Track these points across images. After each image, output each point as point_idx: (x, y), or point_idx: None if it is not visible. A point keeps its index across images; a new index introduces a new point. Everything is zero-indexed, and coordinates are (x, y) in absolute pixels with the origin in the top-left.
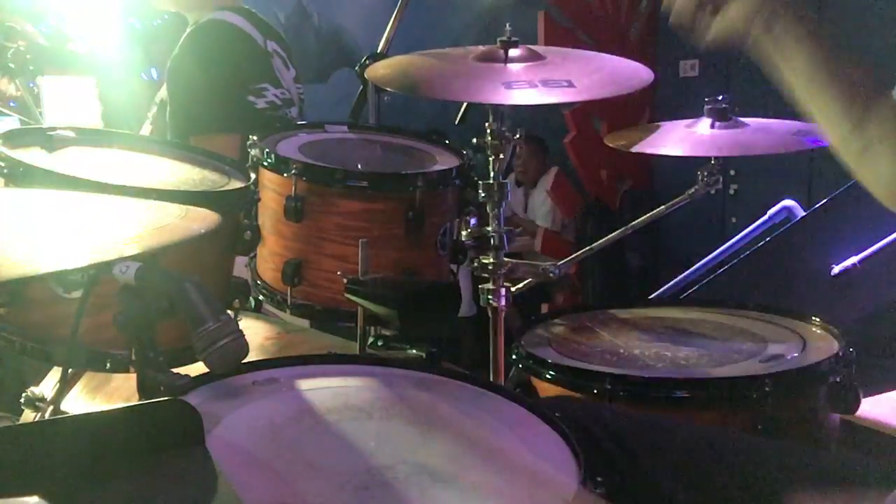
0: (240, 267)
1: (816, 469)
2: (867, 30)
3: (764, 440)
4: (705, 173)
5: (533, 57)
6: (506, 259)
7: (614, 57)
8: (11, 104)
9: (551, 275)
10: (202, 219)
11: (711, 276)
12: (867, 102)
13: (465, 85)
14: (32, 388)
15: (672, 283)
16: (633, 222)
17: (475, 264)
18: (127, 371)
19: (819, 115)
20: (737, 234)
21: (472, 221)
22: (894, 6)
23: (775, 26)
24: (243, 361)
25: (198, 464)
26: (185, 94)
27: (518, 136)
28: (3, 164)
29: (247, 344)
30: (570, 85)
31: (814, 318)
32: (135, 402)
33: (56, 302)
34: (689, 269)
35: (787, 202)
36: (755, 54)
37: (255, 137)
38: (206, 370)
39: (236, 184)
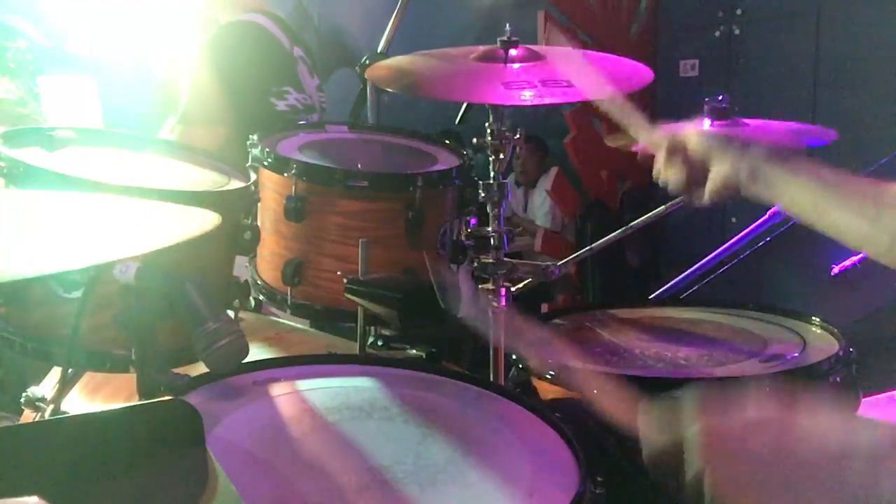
0: (240, 267)
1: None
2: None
3: None
4: None
5: (533, 57)
6: (506, 259)
7: (614, 57)
8: None
9: (551, 275)
10: (202, 219)
11: (711, 276)
12: (876, 198)
13: (465, 85)
14: (32, 388)
15: (672, 283)
16: (633, 222)
17: (475, 264)
18: (127, 371)
19: (835, 229)
20: (737, 234)
21: (472, 221)
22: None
23: (760, 172)
24: (243, 361)
25: (198, 464)
26: (206, 87)
27: (518, 136)
28: (3, 164)
29: (247, 344)
30: (570, 85)
31: (814, 318)
32: (135, 402)
33: (56, 302)
34: (689, 269)
35: None
36: (753, 195)
37: (254, 137)
38: (206, 370)
39: (236, 184)
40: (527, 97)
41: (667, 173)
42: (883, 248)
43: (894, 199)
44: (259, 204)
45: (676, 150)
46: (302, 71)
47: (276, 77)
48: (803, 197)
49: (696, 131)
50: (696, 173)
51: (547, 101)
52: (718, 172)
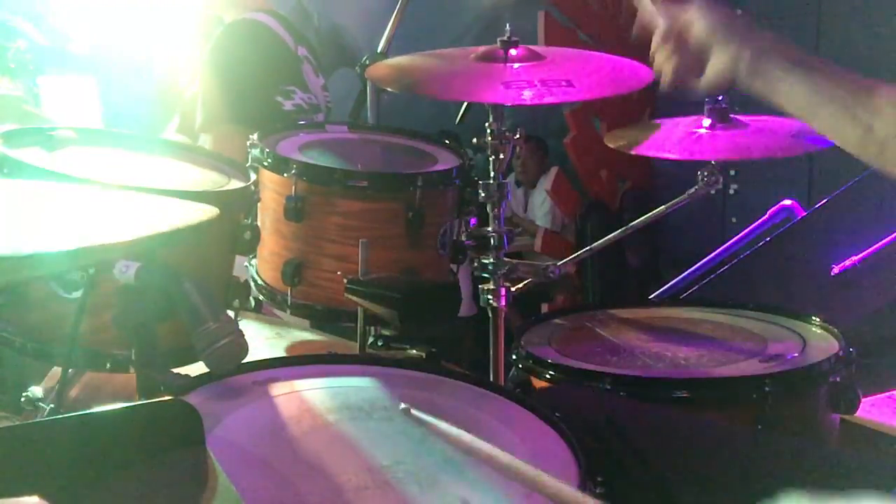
0: (240, 267)
1: (817, 464)
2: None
3: (765, 434)
4: (705, 173)
5: (533, 57)
6: (506, 259)
7: (614, 57)
8: None
9: (551, 275)
10: (200, 211)
11: (711, 276)
12: (869, 104)
13: (465, 84)
14: (32, 388)
15: (672, 283)
16: (633, 222)
17: (475, 264)
18: (127, 371)
19: (827, 130)
20: (737, 234)
21: (472, 221)
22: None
23: (760, 65)
24: (243, 361)
25: (198, 464)
26: (215, 87)
27: (518, 136)
28: (3, 164)
29: (247, 344)
30: (570, 84)
31: (814, 318)
32: (135, 402)
33: (56, 302)
34: (689, 269)
35: (787, 202)
36: (749, 90)
37: (254, 137)
38: (206, 370)
39: (236, 184)
40: (526, 96)
41: (661, 58)
42: (873, 153)
43: (887, 103)
44: (259, 204)
45: (675, 33)
46: (307, 70)
47: (281, 76)
48: (799, 96)
49: (699, 15)
50: (694, 60)
51: (546, 100)
52: (718, 62)
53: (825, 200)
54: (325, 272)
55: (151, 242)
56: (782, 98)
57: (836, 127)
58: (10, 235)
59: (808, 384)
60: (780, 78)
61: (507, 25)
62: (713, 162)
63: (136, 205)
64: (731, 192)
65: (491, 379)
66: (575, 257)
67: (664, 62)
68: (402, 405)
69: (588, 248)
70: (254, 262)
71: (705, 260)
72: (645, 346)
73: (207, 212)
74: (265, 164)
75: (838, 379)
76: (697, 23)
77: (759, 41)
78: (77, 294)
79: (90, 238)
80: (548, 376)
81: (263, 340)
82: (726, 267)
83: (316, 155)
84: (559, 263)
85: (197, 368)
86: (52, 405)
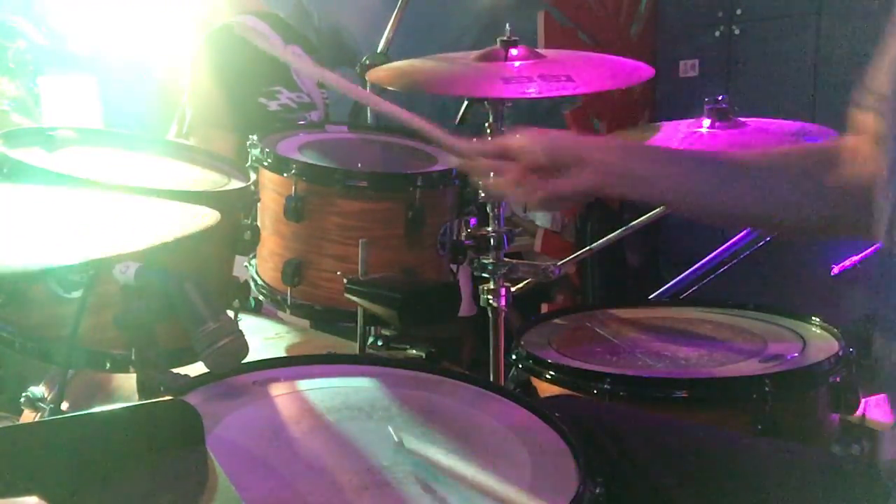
0: (240, 267)
1: (814, 469)
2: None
3: (763, 440)
4: None
5: (533, 57)
6: (506, 259)
7: (614, 57)
8: None
9: (551, 275)
10: (202, 216)
11: (711, 276)
12: (775, 170)
13: (466, 81)
14: (32, 388)
15: (672, 283)
16: (633, 222)
17: (475, 264)
18: (127, 371)
19: (790, 233)
20: (737, 234)
21: (472, 221)
22: None
23: (632, 169)
24: (243, 361)
25: (198, 464)
26: (199, 93)
27: None
28: (3, 164)
29: (247, 344)
30: (570, 79)
31: (814, 318)
32: (135, 402)
33: (56, 302)
34: (689, 269)
35: None
36: (621, 197)
37: (254, 137)
38: (206, 370)
39: (236, 184)
40: (527, 91)
41: (509, 186)
42: (826, 232)
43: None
44: (259, 204)
45: (510, 158)
46: (297, 69)
47: (264, 78)
48: (695, 183)
49: (532, 142)
50: (542, 183)
51: (546, 94)
52: (577, 179)
53: None
54: (325, 272)
55: (153, 251)
56: (674, 196)
57: (791, 228)
58: (14, 245)
59: (808, 384)
60: (664, 177)
61: (507, 25)
62: None
63: (138, 210)
64: None
65: (491, 379)
66: (575, 257)
67: (521, 190)
68: None
69: (588, 248)
70: (254, 262)
71: (705, 260)
72: (645, 346)
73: (209, 217)
74: (265, 164)
75: (838, 379)
76: (533, 149)
77: (622, 149)
78: (77, 294)
79: (92, 251)
80: (548, 376)
81: (263, 340)
82: (726, 267)
83: (316, 155)
84: (559, 263)
85: (197, 368)
86: (52, 405)
